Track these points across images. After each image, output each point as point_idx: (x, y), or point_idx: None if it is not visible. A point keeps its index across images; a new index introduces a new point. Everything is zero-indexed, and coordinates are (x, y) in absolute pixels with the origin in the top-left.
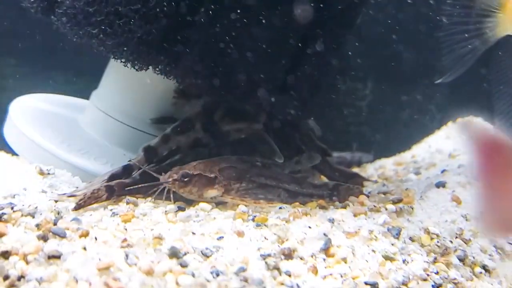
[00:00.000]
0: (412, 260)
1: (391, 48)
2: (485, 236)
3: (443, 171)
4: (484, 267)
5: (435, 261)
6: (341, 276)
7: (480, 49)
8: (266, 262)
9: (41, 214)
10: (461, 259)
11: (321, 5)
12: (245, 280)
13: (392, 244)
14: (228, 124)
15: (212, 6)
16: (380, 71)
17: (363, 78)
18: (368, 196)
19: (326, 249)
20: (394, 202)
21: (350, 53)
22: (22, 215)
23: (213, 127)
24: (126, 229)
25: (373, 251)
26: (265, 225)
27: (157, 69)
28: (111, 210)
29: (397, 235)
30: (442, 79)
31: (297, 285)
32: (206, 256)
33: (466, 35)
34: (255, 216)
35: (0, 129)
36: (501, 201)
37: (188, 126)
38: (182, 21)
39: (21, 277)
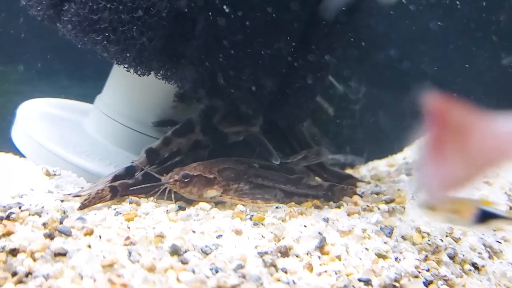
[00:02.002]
0: (404, 258)
1: (384, 53)
2: (425, 194)
3: None
4: (473, 264)
5: (426, 258)
6: (336, 273)
7: None
8: (263, 260)
9: (47, 213)
10: (451, 257)
11: (315, 13)
12: (243, 276)
13: (385, 243)
14: (226, 127)
15: (211, 15)
16: (373, 76)
17: (356, 83)
18: (361, 196)
19: (321, 247)
20: (387, 202)
21: (343, 59)
22: (29, 214)
23: (212, 130)
24: (129, 228)
25: (366, 249)
26: (262, 224)
27: (159, 74)
28: (114, 209)
29: (390, 234)
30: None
31: (293, 281)
32: (205, 253)
33: None
34: (252, 215)
35: (8, 132)
36: (445, 161)
37: (188, 129)
38: (182, 28)
39: (28, 274)
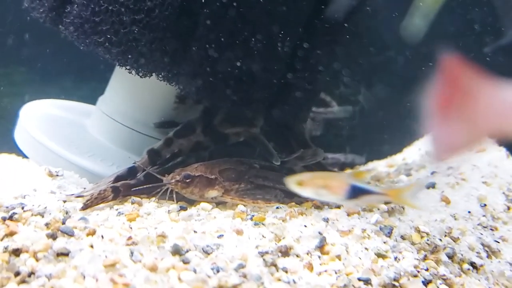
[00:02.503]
0: (403, 258)
1: (384, 54)
2: (434, 158)
3: (432, 173)
4: (472, 264)
5: (425, 258)
6: (336, 273)
7: None
8: (264, 259)
9: (50, 213)
10: (450, 257)
11: (315, 15)
12: (244, 276)
13: (384, 242)
14: (227, 128)
15: (212, 17)
16: (372, 78)
17: (355, 84)
18: None
19: (321, 247)
20: (386, 202)
21: (343, 59)
22: (32, 215)
23: (213, 131)
24: (131, 228)
25: (366, 248)
26: (263, 224)
27: (160, 76)
28: (117, 209)
29: (389, 234)
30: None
31: (293, 280)
32: (207, 253)
33: None
34: (253, 215)
35: (11, 133)
36: (450, 123)
37: (190, 130)
38: (184, 30)
39: (31, 274)
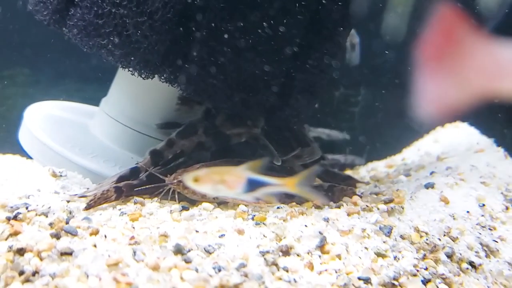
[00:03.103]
0: (402, 257)
1: (383, 56)
2: (423, 114)
3: (431, 173)
4: (470, 263)
5: (424, 257)
6: (336, 272)
7: None
8: (265, 258)
9: (54, 213)
10: (449, 256)
11: (315, 18)
12: (245, 275)
13: (384, 242)
14: (228, 129)
15: (214, 19)
16: (372, 79)
17: (355, 86)
18: (361, 197)
19: (321, 246)
20: (386, 202)
21: (343, 62)
22: (36, 215)
23: (214, 132)
24: (133, 228)
25: (366, 248)
26: (264, 223)
27: (162, 77)
28: (119, 209)
29: (389, 233)
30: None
31: (294, 280)
32: (208, 252)
33: None
34: (254, 215)
35: (15, 134)
36: (441, 76)
37: (192, 131)
38: (185, 33)
39: (35, 273)
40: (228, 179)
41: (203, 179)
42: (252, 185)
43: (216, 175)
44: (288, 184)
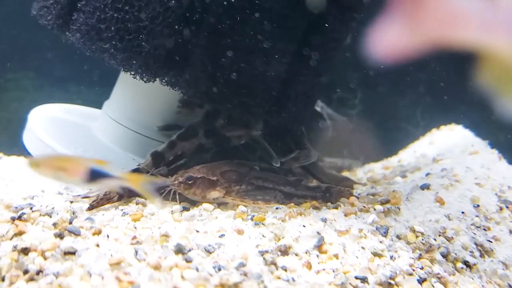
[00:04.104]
0: (399, 257)
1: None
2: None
3: (427, 175)
4: (465, 262)
5: (420, 257)
6: (333, 271)
7: None
8: (264, 258)
9: (57, 214)
10: (444, 256)
11: (313, 22)
12: (245, 274)
13: (380, 242)
14: (228, 131)
15: (213, 24)
16: (368, 83)
17: (353, 89)
18: (358, 198)
19: (319, 246)
20: (382, 203)
21: (341, 65)
22: (40, 215)
23: (215, 134)
24: (135, 228)
25: (363, 248)
26: (263, 224)
27: (164, 80)
28: (121, 210)
29: (385, 233)
30: None
31: (293, 279)
32: (209, 252)
33: None
34: (253, 216)
35: (20, 137)
36: (397, 22)
37: (192, 133)
38: (186, 37)
39: (39, 272)
40: (69, 167)
41: (43, 164)
42: (94, 175)
43: (57, 162)
44: (131, 180)
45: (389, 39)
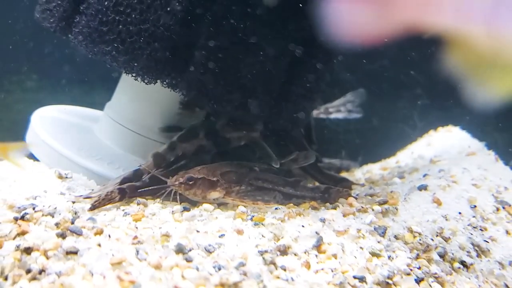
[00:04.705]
0: (396, 256)
1: (377, 62)
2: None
3: (424, 175)
4: (462, 262)
5: (417, 257)
6: (332, 271)
7: None
8: (263, 258)
9: (60, 214)
10: (441, 256)
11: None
12: (245, 273)
13: (378, 242)
14: (228, 132)
15: (213, 26)
16: (367, 84)
17: (350, 91)
18: (356, 198)
19: (318, 246)
20: (380, 204)
21: (339, 67)
22: (42, 215)
23: (215, 135)
24: (136, 228)
25: (361, 248)
26: (262, 224)
27: (165, 83)
28: (123, 210)
29: (383, 234)
30: None
31: (292, 278)
32: (209, 252)
33: None
34: (253, 216)
35: (23, 138)
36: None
37: (193, 134)
38: (187, 39)
39: (42, 271)
40: None
41: None
42: None
43: None
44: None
45: (361, 22)
